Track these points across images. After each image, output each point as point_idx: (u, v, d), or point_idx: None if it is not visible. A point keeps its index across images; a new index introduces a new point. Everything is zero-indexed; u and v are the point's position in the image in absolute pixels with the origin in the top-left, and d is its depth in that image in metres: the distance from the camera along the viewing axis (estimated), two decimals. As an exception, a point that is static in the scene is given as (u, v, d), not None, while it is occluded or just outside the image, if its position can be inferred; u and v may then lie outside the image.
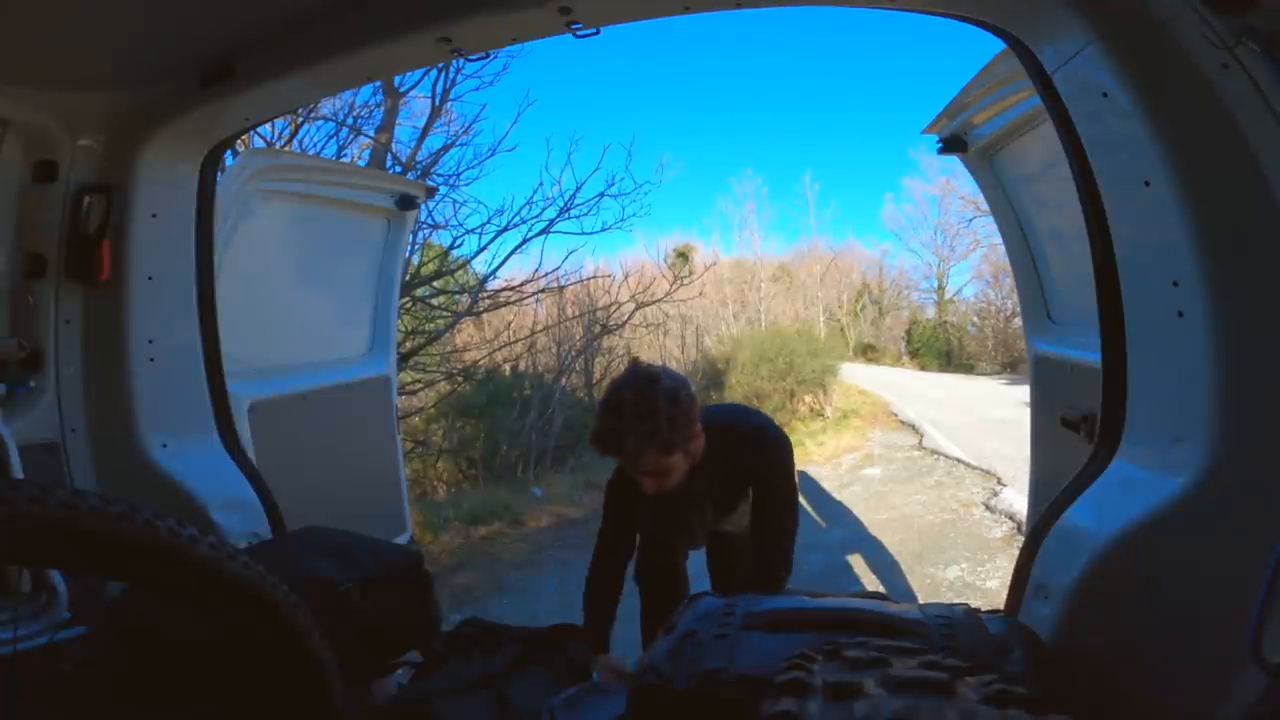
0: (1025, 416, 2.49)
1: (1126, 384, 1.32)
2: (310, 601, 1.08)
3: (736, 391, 11.85)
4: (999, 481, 6.24)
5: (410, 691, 1.53)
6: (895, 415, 10.90)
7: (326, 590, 1.38)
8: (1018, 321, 15.04)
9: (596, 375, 12.05)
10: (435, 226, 8.37)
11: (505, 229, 8.43)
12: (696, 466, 1.79)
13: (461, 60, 2.00)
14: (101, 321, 1.90)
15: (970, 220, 22.39)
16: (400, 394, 5.94)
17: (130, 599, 1.32)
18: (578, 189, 8.72)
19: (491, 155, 8.32)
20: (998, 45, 1.47)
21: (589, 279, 11.95)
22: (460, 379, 9.83)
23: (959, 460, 7.35)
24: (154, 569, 0.89)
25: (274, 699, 1.08)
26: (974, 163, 2.55)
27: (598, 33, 1.53)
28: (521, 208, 8.53)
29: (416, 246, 8.33)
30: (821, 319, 24.33)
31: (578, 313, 11.95)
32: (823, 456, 8.71)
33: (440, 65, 7.38)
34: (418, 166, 8.12)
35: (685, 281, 12.75)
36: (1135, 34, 1.16)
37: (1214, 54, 1.09)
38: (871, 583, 4.39)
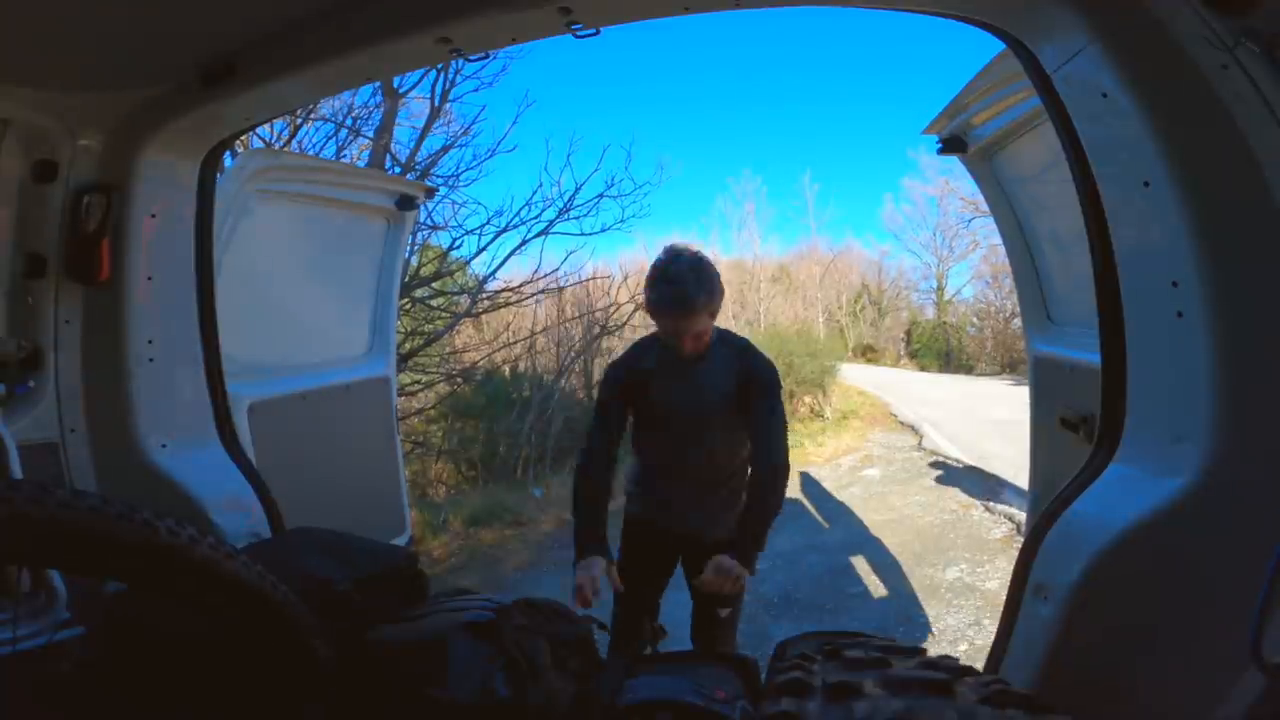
0: (1025, 417, 2.49)
1: (1126, 384, 1.33)
2: (308, 601, 1.09)
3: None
4: (998, 482, 6.24)
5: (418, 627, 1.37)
6: (894, 416, 10.89)
7: (324, 589, 1.37)
8: (1017, 322, 15.04)
9: (596, 376, 12.03)
10: (434, 227, 8.41)
11: (504, 230, 8.46)
12: (701, 354, 2.02)
13: (461, 60, 2.00)
14: (101, 321, 1.90)
15: (969, 221, 22.38)
16: (400, 395, 5.94)
17: (124, 597, 1.32)
18: (577, 190, 8.76)
19: (491, 156, 8.37)
20: (998, 45, 1.47)
21: (588, 280, 11.95)
22: (459, 380, 9.83)
23: (958, 461, 7.34)
24: (153, 569, 0.89)
25: (266, 682, 1.08)
26: (974, 163, 2.55)
27: (598, 33, 1.53)
28: (521, 208, 8.56)
29: (415, 248, 8.35)
30: (821, 320, 24.33)
31: (577, 314, 11.92)
32: (822, 457, 8.70)
33: (440, 65, 7.40)
34: (417, 167, 8.13)
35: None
36: (1135, 34, 1.16)
37: (1214, 54, 1.09)
38: (872, 584, 4.39)
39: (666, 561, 2.26)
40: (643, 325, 12.25)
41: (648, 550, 2.23)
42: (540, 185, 11.59)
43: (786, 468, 2.02)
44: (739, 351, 2.09)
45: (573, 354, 11.59)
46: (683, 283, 1.91)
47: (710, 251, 25.08)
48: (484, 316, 10.69)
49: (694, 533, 2.16)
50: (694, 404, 2.07)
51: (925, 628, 3.74)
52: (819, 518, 5.95)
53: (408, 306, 8.14)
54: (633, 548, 2.26)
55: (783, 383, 2.12)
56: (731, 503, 2.14)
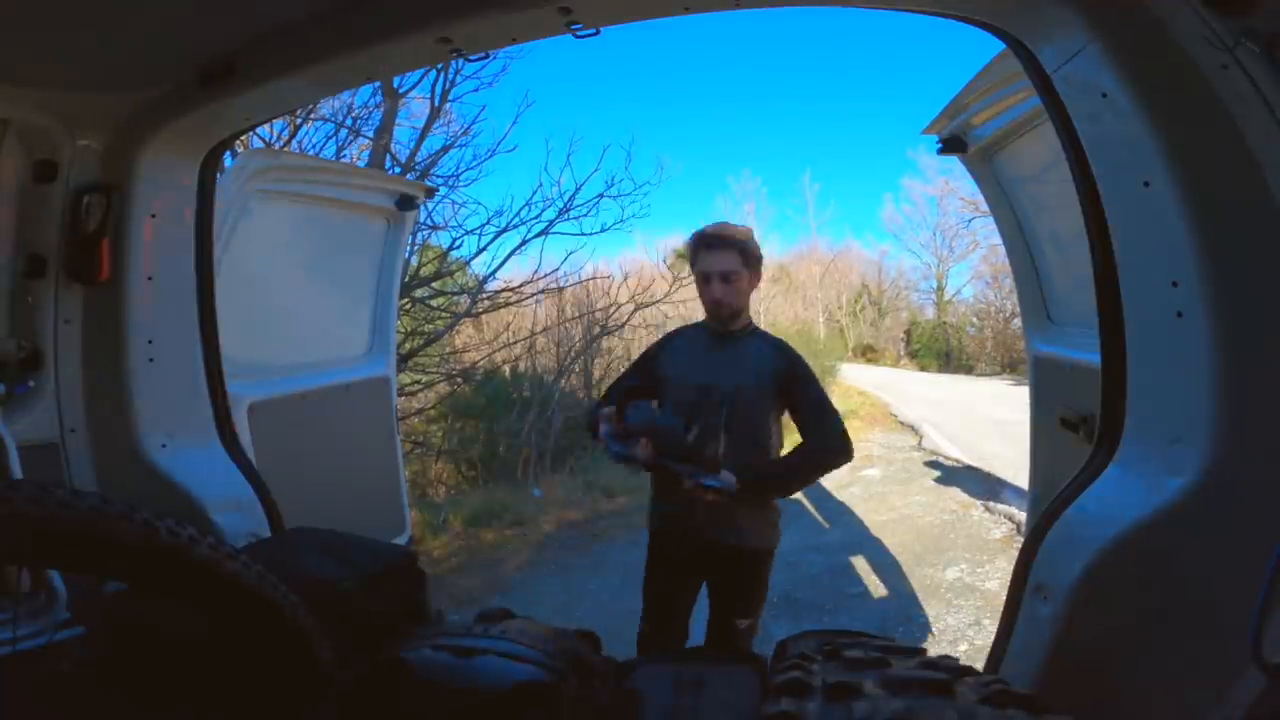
0: (1025, 417, 2.49)
1: (1126, 384, 1.32)
2: (308, 601, 1.08)
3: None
4: (998, 482, 6.24)
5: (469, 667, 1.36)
6: (894, 416, 10.90)
7: (325, 589, 1.37)
8: (1017, 322, 15.04)
9: (596, 376, 12.02)
10: (434, 227, 8.40)
11: (504, 230, 8.45)
12: (737, 331, 2.12)
13: (461, 60, 2.00)
14: (101, 321, 1.90)
15: (969, 221, 22.44)
16: (400, 395, 5.94)
17: (124, 596, 1.32)
18: (577, 190, 8.74)
19: (491, 156, 8.35)
20: (998, 45, 1.47)
21: (588, 280, 11.91)
22: (459, 380, 9.83)
23: (958, 461, 7.34)
24: (153, 569, 0.89)
25: (268, 684, 1.08)
26: (974, 163, 2.55)
27: (598, 33, 1.53)
28: (521, 209, 8.54)
29: (415, 248, 8.35)
30: (821, 320, 24.36)
31: (577, 314, 11.91)
32: (822, 457, 8.68)
33: (440, 65, 7.40)
34: (417, 167, 8.12)
35: (685, 282, 12.72)
36: (1135, 34, 1.16)
37: (1214, 54, 1.09)
38: (872, 584, 4.39)
39: (693, 575, 2.15)
40: (642, 325, 12.26)
41: (672, 564, 2.15)
42: (540, 185, 11.55)
43: (843, 449, 2.01)
44: (776, 344, 2.14)
45: (573, 354, 11.59)
46: (727, 225, 2.10)
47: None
48: (484, 316, 10.67)
49: (719, 542, 2.04)
50: (725, 378, 2.04)
51: (925, 628, 3.74)
52: (819, 518, 5.95)
53: (408, 306, 8.14)
54: (657, 562, 2.18)
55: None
56: (761, 505, 2.06)
